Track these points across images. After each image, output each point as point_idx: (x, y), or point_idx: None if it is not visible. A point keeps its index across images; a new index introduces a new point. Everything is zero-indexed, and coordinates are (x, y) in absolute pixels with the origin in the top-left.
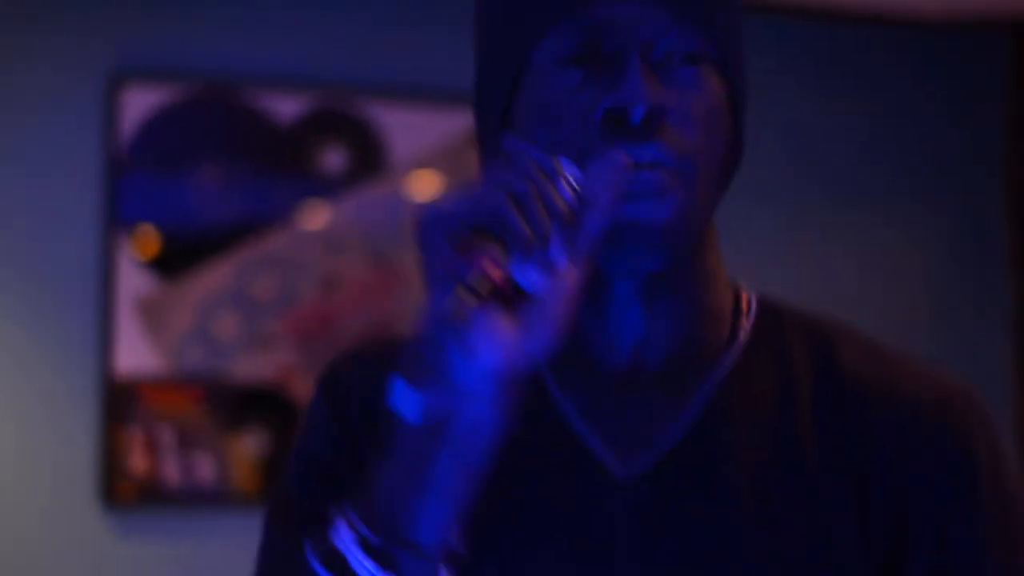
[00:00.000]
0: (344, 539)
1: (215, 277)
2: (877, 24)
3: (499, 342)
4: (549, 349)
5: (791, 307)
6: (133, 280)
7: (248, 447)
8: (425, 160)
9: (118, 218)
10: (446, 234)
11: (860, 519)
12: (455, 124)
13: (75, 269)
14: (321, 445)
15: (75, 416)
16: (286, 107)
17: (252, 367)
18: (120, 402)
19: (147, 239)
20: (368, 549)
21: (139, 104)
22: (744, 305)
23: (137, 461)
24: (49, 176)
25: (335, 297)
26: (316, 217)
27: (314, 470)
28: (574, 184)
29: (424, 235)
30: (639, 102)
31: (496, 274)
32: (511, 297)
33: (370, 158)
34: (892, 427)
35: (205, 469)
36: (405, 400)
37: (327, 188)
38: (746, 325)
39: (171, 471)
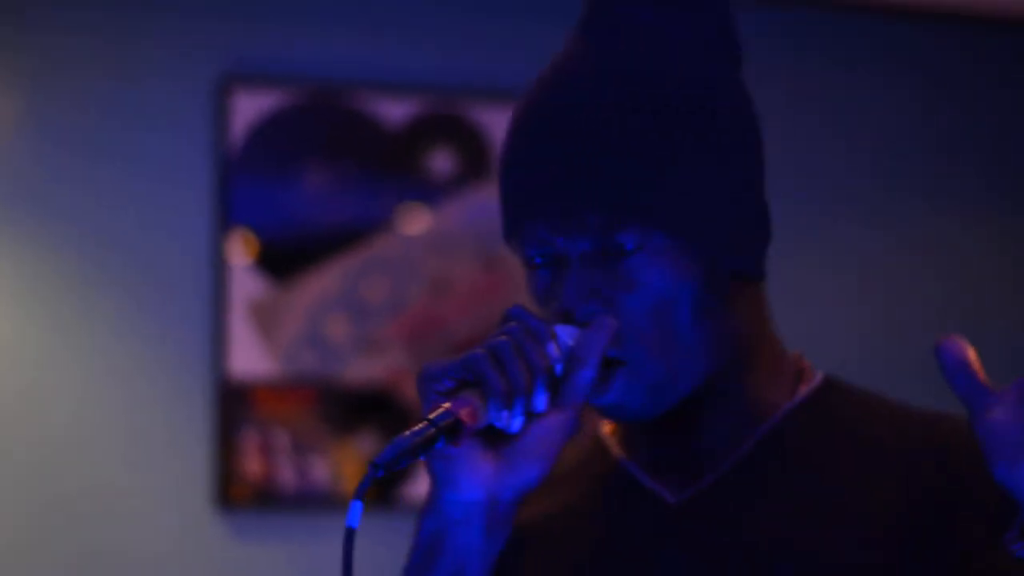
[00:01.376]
0: None
1: (325, 280)
2: (956, 22)
3: (479, 477)
4: (534, 482)
5: (858, 386)
6: (244, 284)
7: (361, 450)
8: None
9: (229, 222)
10: (436, 386)
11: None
12: None
13: (188, 273)
14: None
15: (190, 420)
16: (393, 111)
17: (363, 370)
18: (234, 405)
19: (256, 243)
20: None
21: (248, 109)
22: (806, 375)
23: (252, 464)
24: (161, 181)
25: (445, 300)
26: (424, 220)
27: None
28: (560, 343)
29: (419, 386)
30: (574, 308)
31: (468, 417)
32: (495, 439)
33: (477, 161)
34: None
35: (318, 472)
36: (352, 515)
37: (435, 191)
38: (803, 392)
39: (285, 474)
